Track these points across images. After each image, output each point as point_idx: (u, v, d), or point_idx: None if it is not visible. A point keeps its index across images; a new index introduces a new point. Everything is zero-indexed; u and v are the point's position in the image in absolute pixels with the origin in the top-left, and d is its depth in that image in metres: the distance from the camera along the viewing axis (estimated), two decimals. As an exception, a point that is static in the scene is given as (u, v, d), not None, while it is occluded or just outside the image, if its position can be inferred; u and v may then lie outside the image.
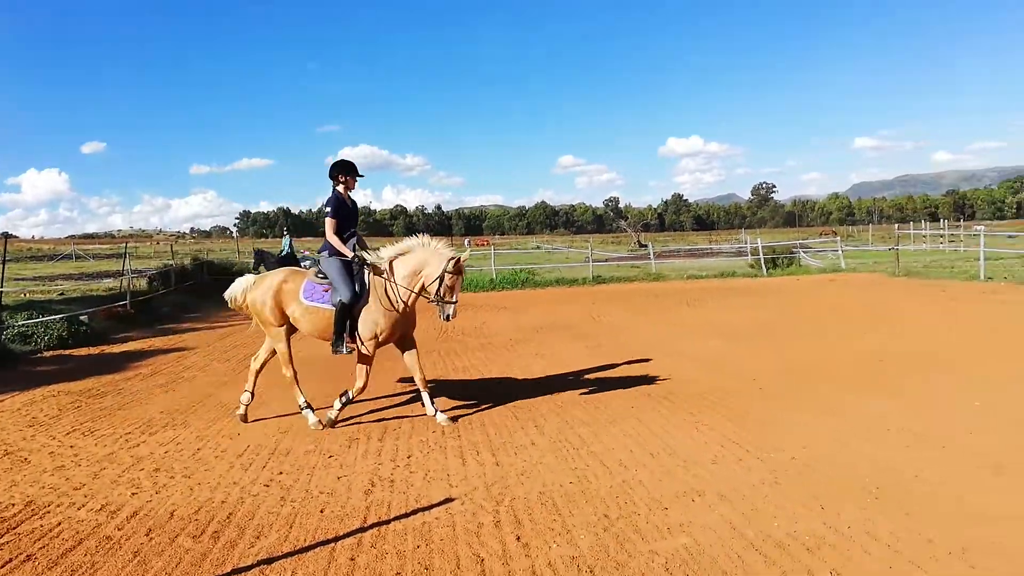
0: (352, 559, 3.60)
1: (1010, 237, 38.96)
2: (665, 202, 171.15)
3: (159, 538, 3.92)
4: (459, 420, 6.23)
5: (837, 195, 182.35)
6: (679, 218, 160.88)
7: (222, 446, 5.71)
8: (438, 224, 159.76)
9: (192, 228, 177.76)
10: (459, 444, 5.52)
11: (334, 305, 6.06)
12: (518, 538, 3.77)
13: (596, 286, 20.58)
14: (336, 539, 3.83)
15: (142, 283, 18.25)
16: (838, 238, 32.87)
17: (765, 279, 21.00)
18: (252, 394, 6.52)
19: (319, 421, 6.21)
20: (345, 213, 6.22)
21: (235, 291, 6.69)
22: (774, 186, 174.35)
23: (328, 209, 6.17)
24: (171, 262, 23.12)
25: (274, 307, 6.30)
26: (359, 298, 6.05)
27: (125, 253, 20.48)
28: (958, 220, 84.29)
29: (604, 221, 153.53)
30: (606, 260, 30.50)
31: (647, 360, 8.75)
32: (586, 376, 7.99)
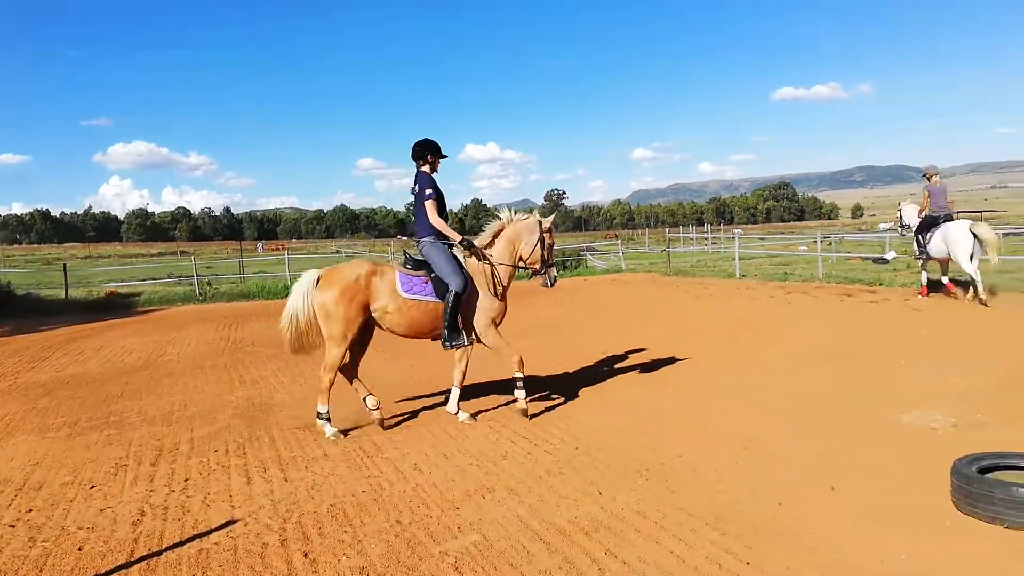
0: (116, 599, 3.25)
1: (761, 239, 44.33)
2: (465, 206, 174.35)
3: None
4: (249, 437, 5.88)
5: (619, 201, 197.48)
6: (479, 222, 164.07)
7: (-46, 486, 4.91)
8: (227, 228, 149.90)
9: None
10: (244, 463, 5.20)
11: (439, 296, 5.71)
12: (306, 555, 3.63)
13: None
14: (97, 579, 3.45)
15: None
16: (619, 241, 35.50)
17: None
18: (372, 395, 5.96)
19: (338, 431, 5.73)
20: (440, 195, 5.88)
21: (295, 307, 5.80)
22: (564, 192, 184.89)
23: (429, 191, 5.83)
24: None
25: (359, 305, 5.68)
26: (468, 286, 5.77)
27: None
28: (719, 224, 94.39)
29: (406, 225, 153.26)
30: (406, 264, 30.46)
31: (445, 360, 8.82)
32: (385, 383, 7.90)
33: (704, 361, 8.17)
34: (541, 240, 6.10)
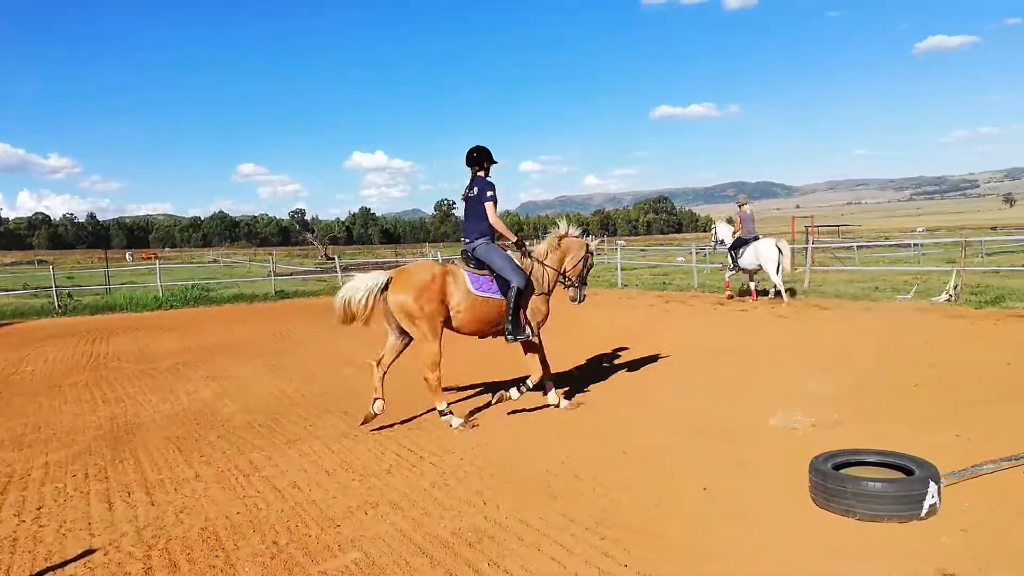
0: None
1: (642, 251, 46.08)
2: (353, 215, 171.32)
3: None
4: (112, 459, 5.48)
5: (509, 212, 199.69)
6: (367, 231, 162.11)
7: None
8: (92, 235, 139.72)
9: None
10: (106, 487, 4.84)
11: (503, 293, 6.07)
12: (173, 583, 3.41)
13: (280, 301, 19.74)
14: (-74, 625, 3.09)
15: None
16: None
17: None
18: (383, 400, 6.11)
19: (464, 421, 6.02)
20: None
21: (357, 293, 6.01)
22: (454, 203, 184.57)
23: (490, 193, 6.17)
24: None
25: (439, 302, 5.95)
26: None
27: None
28: (603, 236, 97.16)
29: (290, 233, 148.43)
30: (291, 274, 29.45)
31: (331, 374, 8.61)
32: (263, 398, 7.59)
33: (586, 368, 8.37)
34: (586, 258, 6.78)
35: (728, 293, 15.28)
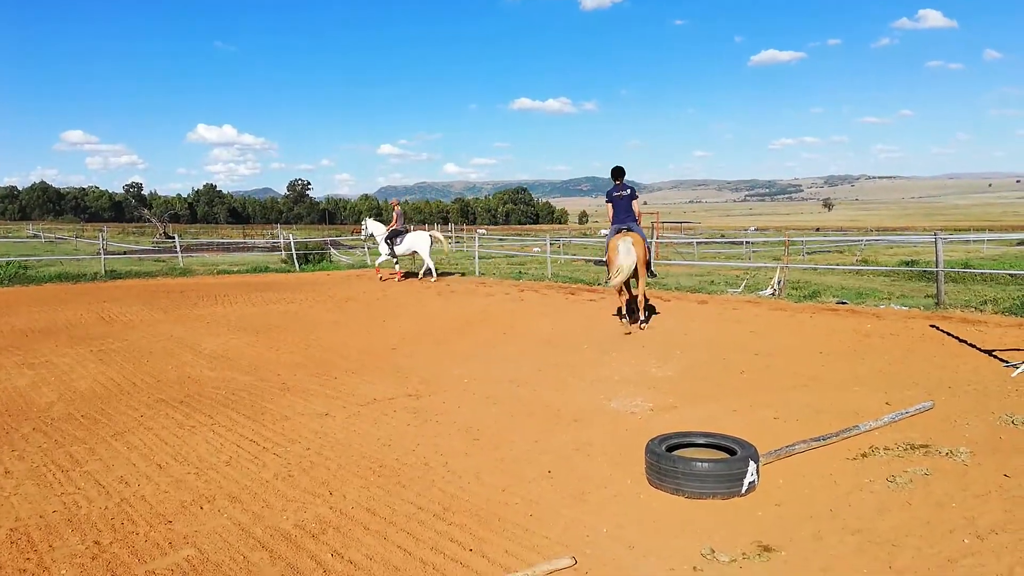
0: None
1: (500, 240, 46.75)
2: (197, 192, 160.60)
3: None
4: None
5: (367, 196, 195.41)
6: (213, 210, 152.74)
7: None
8: None
9: None
10: None
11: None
12: (-29, 593, 3.07)
13: (110, 282, 18.17)
14: None
15: None
16: (365, 236, 35.12)
17: (297, 274, 21.27)
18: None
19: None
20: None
21: (632, 257, 9.60)
22: (309, 183, 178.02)
23: (636, 193, 10.39)
24: None
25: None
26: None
27: None
28: (463, 224, 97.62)
29: (125, 209, 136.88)
30: (125, 253, 27.23)
31: (166, 361, 8.05)
32: (88, 385, 6.97)
33: (440, 354, 8.38)
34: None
35: (381, 276, 18.64)
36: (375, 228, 18.89)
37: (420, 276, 18.44)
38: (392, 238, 18.28)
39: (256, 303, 13.55)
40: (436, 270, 18.92)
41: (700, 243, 35.55)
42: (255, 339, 9.57)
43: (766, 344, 8.73)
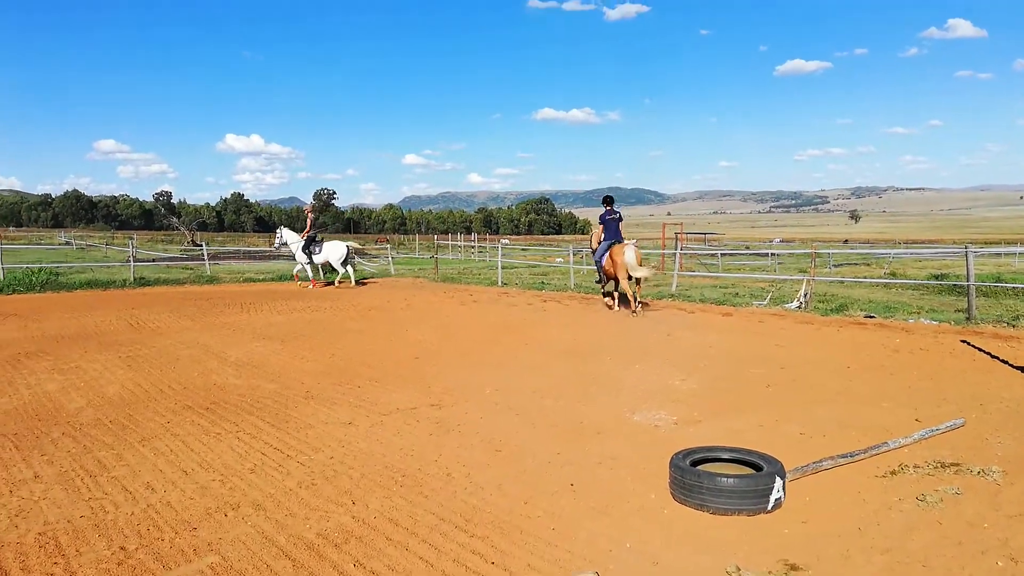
0: None
1: (523, 250, 46.87)
2: (225, 200, 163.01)
3: None
4: None
5: (392, 206, 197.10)
6: (240, 218, 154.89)
7: None
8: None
9: None
10: (-76, 490, 4.34)
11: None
12: (1, 596, 3.11)
13: (139, 289, 18.47)
14: None
15: None
16: (389, 246, 35.37)
17: (322, 282, 21.43)
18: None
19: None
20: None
21: (634, 257, 12.92)
22: (335, 193, 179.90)
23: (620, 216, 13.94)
24: None
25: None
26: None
27: None
28: (486, 234, 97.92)
29: (155, 217, 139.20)
30: (154, 260, 27.67)
31: (192, 368, 8.15)
32: (116, 391, 7.07)
33: (463, 363, 8.39)
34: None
35: (300, 284, 19.19)
36: (289, 236, 19.27)
37: (337, 282, 19.11)
38: (309, 246, 18.77)
39: (281, 311, 13.68)
40: (355, 278, 19.67)
41: (725, 255, 35.31)
42: (280, 347, 9.65)
43: (792, 358, 8.63)
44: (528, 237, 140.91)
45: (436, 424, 5.90)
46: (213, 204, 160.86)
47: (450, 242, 48.71)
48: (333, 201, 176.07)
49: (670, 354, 8.99)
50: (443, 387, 7.24)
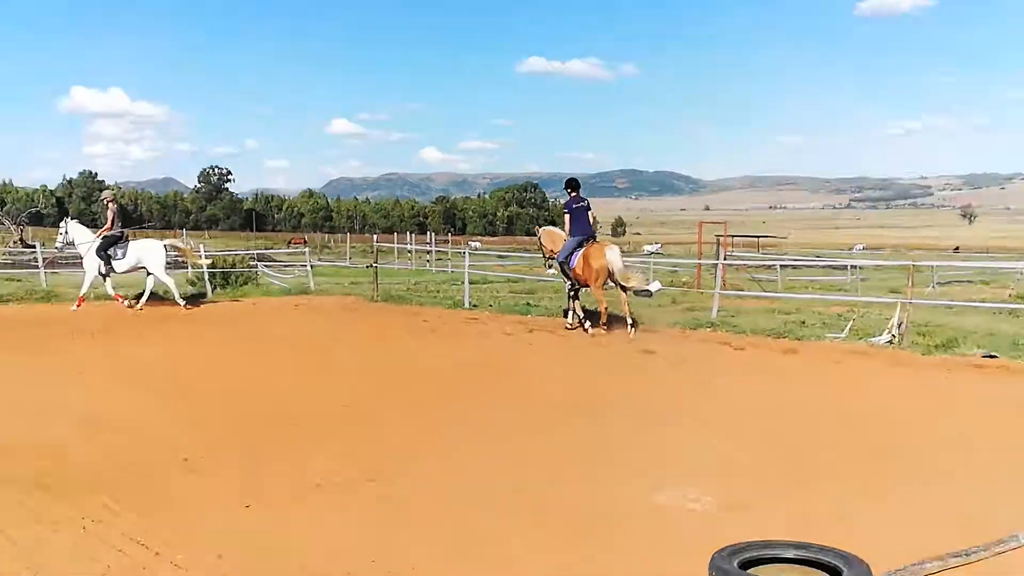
0: None
1: (500, 257, 46.95)
2: (70, 182, 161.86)
3: None
4: None
5: (312, 192, 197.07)
6: (91, 207, 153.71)
7: None
8: None
9: None
10: None
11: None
12: None
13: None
14: None
15: None
16: (307, 249, 35.30)
17: (210, 303, 21.28)
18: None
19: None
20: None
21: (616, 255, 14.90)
22: (229, 173, 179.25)
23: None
24: None
25: None
26: None
27: None
28: (448, 233, 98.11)
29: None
30: (-37, 267, 27.32)
31: (19, 423, 8.02)
32: None
33: (413, 418, 8.34)
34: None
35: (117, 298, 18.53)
36: (78, 233, 18.63)
37: (139, 305, 18.36)
38: (107, 249, 18.02)
39: (151, 343, 13.55)
40: (181, 294, 19.28)
41: (786, 267, 35.66)
42: (148, 394, 9.54)
43: (882, 415, 8.69)
44: (507, 239, 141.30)
45: (375, 507, 5.84)
46: (53, 188, 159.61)
47: (396, 244, 48.69)
48: (226, 185, 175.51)
49: (709, 409, 9.01)
50: (384, 452, 7.19)
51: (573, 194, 15.70)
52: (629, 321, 14.34)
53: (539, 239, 17.64)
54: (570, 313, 15.78)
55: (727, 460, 7.04)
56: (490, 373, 11.21)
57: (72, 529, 5.38)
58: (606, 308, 14.82)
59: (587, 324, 14.91)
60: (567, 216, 15.60)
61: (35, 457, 7.00)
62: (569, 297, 15.71)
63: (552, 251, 16.69)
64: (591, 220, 15.54)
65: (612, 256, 14.64)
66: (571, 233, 15.27)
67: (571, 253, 15.07)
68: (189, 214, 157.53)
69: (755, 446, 7.45)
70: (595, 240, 15.47)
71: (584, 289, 15.40)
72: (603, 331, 14.65)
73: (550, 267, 18.09)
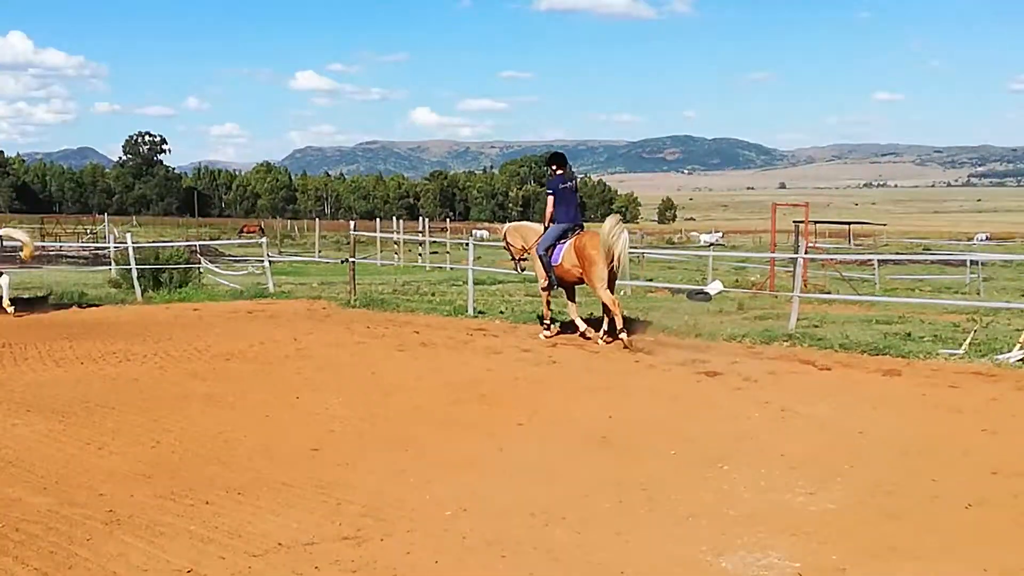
0: None
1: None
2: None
3: None
4: None
5: (271, 166, 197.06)
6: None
7: None
8: None
9: None
10: None
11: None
12: None
13: None
14: None
15: None
16: (265, 240, 35.38)
17: (140, 307, 21.35)
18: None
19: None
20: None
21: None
22: (164, 142, 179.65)
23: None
24: None
25: None
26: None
27: None
28: (445, 218, 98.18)
29: None
30: None
31: None
32: None
33: (402, 459, 8.35)
34: None
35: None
36: None
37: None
38: None
39: (63, 361, 13.60)
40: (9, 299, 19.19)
41: (885, 262, 35.55)
42: (61, 427, 9.58)
43: (1012, 455, 8.65)
44: (522, 225, 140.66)
45: None
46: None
47: (379, 233, 48.69)
48: (160, 157, 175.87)
49: (785, 445, 8.99)
50: (365, 504, 7.20)
51: (559, 172, 16.21)
52: (605, 327, 15.11)
53: (505, 237, 18.25)
54: (546, 320, 16.40)
55: (812, 513, 7.02)
56: (502, 398, 11.19)
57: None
58: (621, 312, 14.99)
59: (595, 333, 15.52)
60: (550, 198, 15.87)
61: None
62: (546, 290, 16.27)
63: (524, 248, 17.27)
64: (576, 204, 16.46)
65: (622, 241, 14.73)
66: (554, 219, 15.67)
67: (553, 244, 15.33)
68: (112, 194, 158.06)
69: (847, 493, 7.43)
70: (583, 230, 15.95)
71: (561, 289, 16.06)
72: (606, 341, 15.15)
73: (523, 269, 18.42)
